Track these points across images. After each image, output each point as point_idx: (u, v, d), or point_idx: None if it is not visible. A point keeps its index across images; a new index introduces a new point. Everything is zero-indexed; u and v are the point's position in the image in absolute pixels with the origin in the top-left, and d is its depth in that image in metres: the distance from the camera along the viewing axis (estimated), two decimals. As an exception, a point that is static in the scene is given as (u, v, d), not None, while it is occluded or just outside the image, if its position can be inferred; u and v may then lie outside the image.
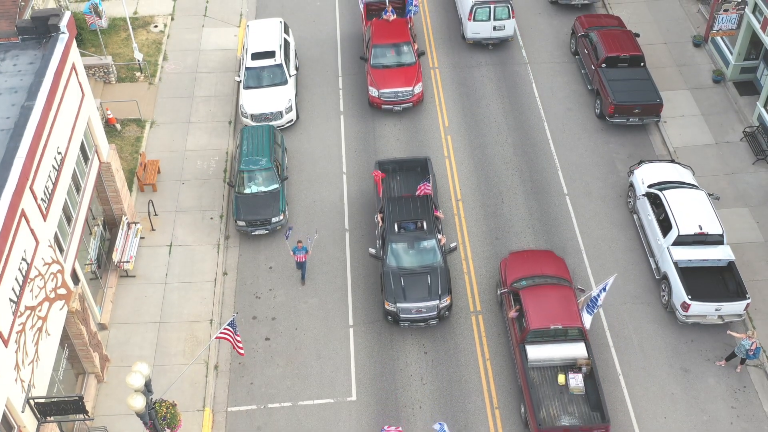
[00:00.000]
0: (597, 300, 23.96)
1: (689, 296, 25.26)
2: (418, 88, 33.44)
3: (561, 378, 23.87)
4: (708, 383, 25.03)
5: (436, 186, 29.71)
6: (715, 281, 26.19)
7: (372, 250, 26.86)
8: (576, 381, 23.75)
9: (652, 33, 37.09)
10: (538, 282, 25.31)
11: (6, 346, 19.00)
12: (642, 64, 33.19)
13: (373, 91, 33.47)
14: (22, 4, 30.29)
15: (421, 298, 25.75)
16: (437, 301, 25.72)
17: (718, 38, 35.20)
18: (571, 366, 24.13)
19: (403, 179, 29.73)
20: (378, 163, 29.63)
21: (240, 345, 22.87)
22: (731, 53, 34.27)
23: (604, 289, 23.85)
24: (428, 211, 27.42)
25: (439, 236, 26.86)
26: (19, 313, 19.72)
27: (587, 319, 24.49)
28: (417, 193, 28.02)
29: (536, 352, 24.01)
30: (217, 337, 22.53)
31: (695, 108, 33.46)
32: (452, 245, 26.81)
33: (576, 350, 24.06)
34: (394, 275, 26.16)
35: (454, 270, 28.22)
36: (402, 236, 26.75)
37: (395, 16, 35.86)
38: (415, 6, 35.73)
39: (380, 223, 27.77)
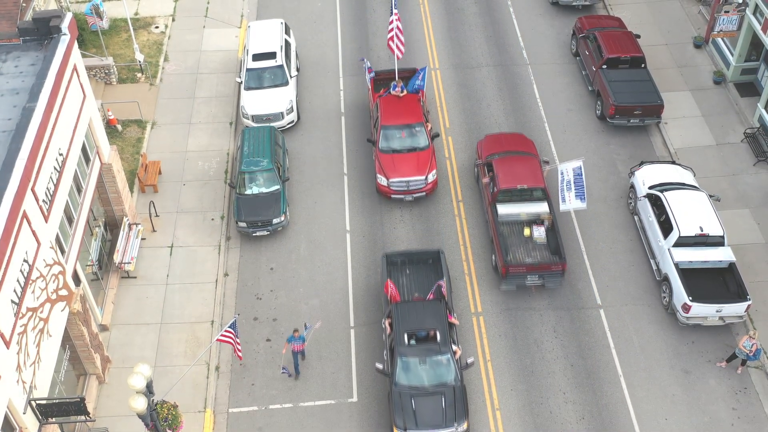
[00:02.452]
0: (581, 183, 26.81)
1: (690, 297, 25.27)
2: (431, 176, 29.65)
3: (527, 231, 27.59)
4: (709, 384, 25.04)
5: (451, 283, 26.72)
6: (716, 282, 26.20)
7: (379, 366, 24.00)
8: (539, 232, 27.43)
9: (653, 34, 37.10)
10: (508, 155, 29.15)
11: (8, 348, 19.02)
12: (643, 65, 33.20)
13: (382, 180, 29.76)
14: (24, 5, 30.32)
15: (435, 424, 23.00)
16: (453, 429, 23.05)
17: (719, 39, 35.21)
18: (535, 221, 27.74)
19: (413, 274, 26.79)
20: (386, 255, 26.56)
21: (239, 348, 22.90)
22: (732, 54, 34.29)
23: (580, 173, 26.77)
24: (442, 319, 24.45)
25: (455, 348, 24.07)
26: (20, 315, 19.75)
27: (580, 204, 27.17)
28: (429, 296, 25.50)
29: (505, 209, 27.88)
30: (218, 340, 22.55)
31: (696, 109, 33.48)
32: (469, 360, 23.85)
33: (540, 207, 27.87)
34: (404, 395, 23.31)
35: (455, 271, 28.23)
36: (413, 349, 23.85)
37: (406, 91, 31.93)
38: (421, 81, 31.97)
39: (388, 330, 24.75)
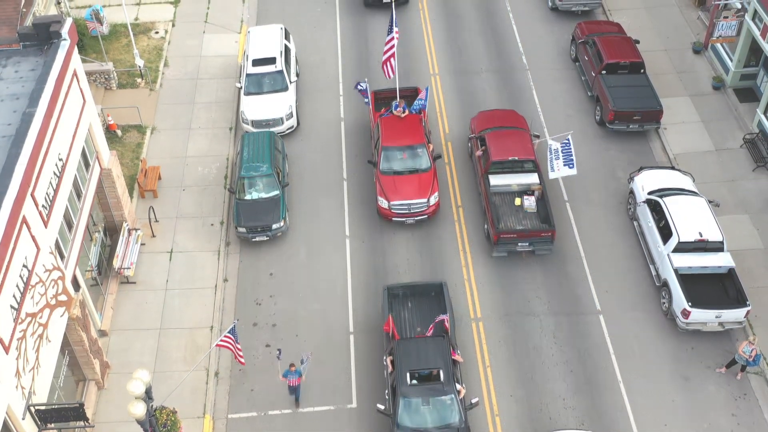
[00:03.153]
0: (569, 151, 28.07)
1: (689, 303, 25.26)
2: (434, 199, 29.11)
3: (517, 200, 28.69)
4: (708, 391, 25.02)
5: (454, 317, 25.94)
6: (715, 288, 26.20)
7: (381, 406, 23.20)
8: (529, 202, 28.49)
9: (652, 40, 37.16)
10: (500, 129, 30.34)
11: (7, 353, 19.01)
12: (642, 70, 33.25)
13: (383, 202, 29.20)
14: (24, 10, 30.37)
15: None
16: None
17: (718, 45, 35.25)
18: (525, 191, 28.80)
19: (415, 307, 26.06)
20: (387, 288, 25.85)
21: (240, 353, 22.87)
22: (731, 60, 34.33)
23: (568, 143, 28.17)
24: (446, 356, 23.54)
25: (459, 387, 23.24)
26: (20, 320, 19.73)
27: (569, 171, 28.48)
28: (429, 330, 24.75)
29: (497, 180, 29.03)
30: (217, 345, 22.53)
31: (695, 115, 33.51)
32: (473, 400, 23.20)
33: (530, 179, 29.01)
34: None
35: (454, 276, 28.22)
36: (416, 389, 22.93)
37: (407, 111, 31.32)
38: (424, 100, 31.38)
39: (390, 368, 23.90)
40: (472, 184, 31.28)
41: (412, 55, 37.13)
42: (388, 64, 30.44)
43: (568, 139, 28.37)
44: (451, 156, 32.44)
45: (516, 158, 29.28)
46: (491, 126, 30.88)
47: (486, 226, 28.99)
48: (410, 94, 32.92)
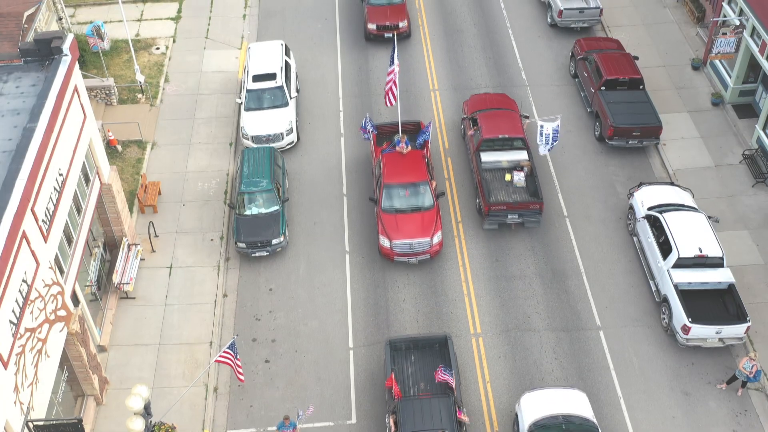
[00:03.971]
0: (556, 136, 29.67)
1: (690, 319, 25.22)
2: (437, 238, 28.39)
3: (507, 176, 30.03)
4: (709, 407, 24.93)
5: (459, 372, 25.27)
6: (715, 304, 26.17)
7: None
8: (519, 177, 29.86)
9: (651, 56, 37.30)
10: (491, 113, 31.72)
11: (5, 368, 18.96)
12: (641, 86, 33.35)
13: (384, 242, 28.38)
14: (25, 26, 30.51)
15: None
16: None
17: (717, 61, 35.39)
18: (515, 167, 30.19)
19: (418, 361, 24.91)
20: (389, 342, 24.85)
21: (240, 370, 22.80)
22: (730, 76, 34.45)
23: (557, 129, 29.58)
24: (451, 417, 22.51)
25: None
26: (19, 335, 19.69)
27: (546, 150, 30.14)
28: (436, 376, 23.63)
29: (488, 157, 30.45)
30: (216, 360, 22.47)
31: (694, 131, 33.59)
32: None
33: (519, 155, 30.48)
34: None
35: (453, 292, 28.20)
36: None
37: (410, 147, 30.57)
38: (427, 134, 30.85)
39: (392, 429, 22.86)
40: (472, 206, 31.32)
41: (412, 71, 37.26)
42: (390, 93, 29.94)
43: (557, 126, 29.76)
44: (451, 174, 32.48)
45: (506, 136, 30.75)
46: (483, 108, 32.26)
47: (478, 200, 30.37)
48: (412, 129, 32.30)
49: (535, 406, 23.29)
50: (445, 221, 30.52)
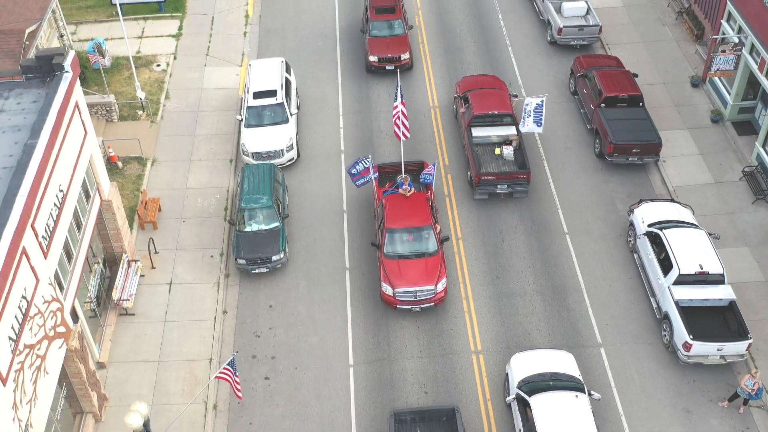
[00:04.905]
0: (541, 111, 30.97)
1: (691, 336, 25.15)
2: (441, 285, 27.27)
3: (497, 150, 31.89)
4: (711, 424, 24.81)
5: None
6: (716, 321, 26.11)
7: None
8: (508, 151, 31.80)
9: (651, 73, 37.42)
10: (482, 92, 33.63)
11: (4, 385, 18.86)
12: (641, 104, 33.43)
13: (387, 289, 27.35)
14: (27, 43, 30.61)
15: None
16: None
17: (716, 79, 35.50)
18: (504, 141, 32.18)
19: None
20: (394, 414, 23.78)
21: (239, 387, 22.71)
22: (729, 93, 34.54)
23: (541, 105, 30.93)
24: None
25: None
26: (17, 352, 19.61)
27: (536, 129, 31.44)
28: None
29: (479, 132, 32.39)
30: (216, 377, 22.38)
31: (694, 147, 33.64)
32: None
33: (508, 131, 32.41)
34: None
35: (454, 308, 28.13)
36: None
37: (413, 189, 29.77)
38: (431, 175, 29.77)
39: None
40: (472, 222, 31.32)
41: (412, 88, 37.35)
42: (402, 126, 29.24)
43: (542, 102, 30.93)
44: (451, 190, 32.51)
45: (496, 112, 32.55)
46: (473, 87, 34.26)
47: (469, 173, 31.99)
48: (416, 169, 31.42)
49: (524, 365, 24.73)
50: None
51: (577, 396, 23.19)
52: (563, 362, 24.67)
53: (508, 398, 24.50)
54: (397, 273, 27.46)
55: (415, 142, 34.44)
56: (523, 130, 31.52)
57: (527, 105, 31.12)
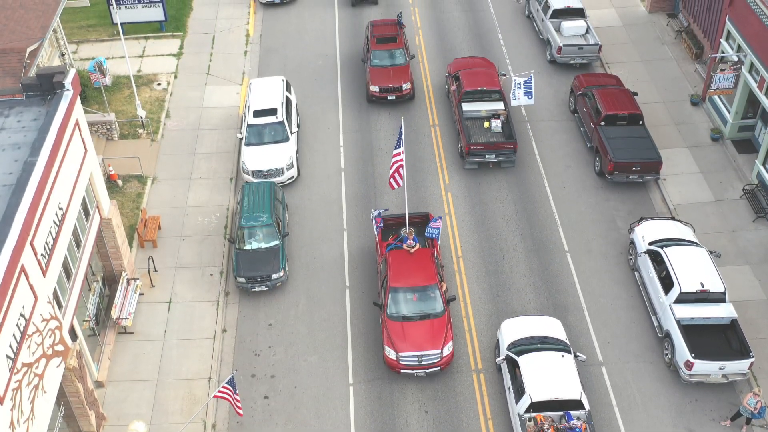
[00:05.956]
0: (530, 85, 33.10)
1: (692, 355, 25.02)
2: (447, 349, 25.99)
3: (486, 123, 34.20)
4: (713, 444, 24.65)
5: None
6: (718, 339, 25.97)
7: None
8: (496, 124, 34.14)
9: (650, 92, 37.50)
10: (472, 70, 36.38)
11: (1, 404, 18.74)
12: (641, 122, 33.47)
13: (390, 353, 25.96)
14: (28, 62, 30.70)
15: None
16: None
17: (716, 97, 35.56)
18: (492, 115, 34.40)
19: None
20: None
21: (239, 405, 22.57)
22: (729, 112, 34.58)
23: (530, 80, 33.06)
24: None
25: None
26: (15, 370, 19.50)
27: (527, 101, 33.47)
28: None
29: (469, 107, 34.79)
30: (215, 396, 22.25)
31: (694, 166, 33.63)
32: None
33: (496, 105, 34.87)
34: None
35: (454, 326, 28.00)
36: None
37: (418, 244, 28.21)
38: (437, 229, 28.35)
39: None
40: (473, 240, 31.25)
41: (412, 106, 37.40)
42: (396, 174, 28.04)
43: (530, 77, 33.15)
44: (451, 206, 32.48)
45: (484, 88, 34.97)
46: (464, 68, 36.76)
47: (459, 145, 34.24)
48: (420, 221, 30.13)
49: (513, 329, 26.14)
50: (446, 255, 30.42)
51: (563, 356, 24.74)
52: (551, 327, 26.20)
53: (498, 359, 25.92)
54: (401, 335, 26.07)
55: (413, 159, 34.46)
56: (514, 103, 33.64)
57: (516, 80, 33.31)
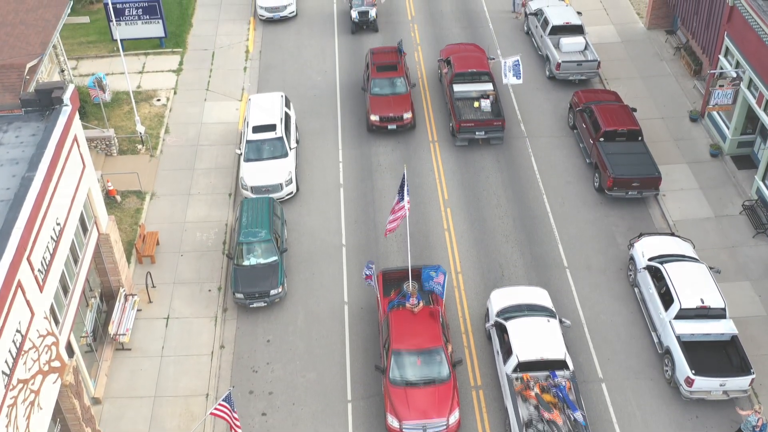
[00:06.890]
0: (518, 66, 35.17)
1: (693, 371, 24.88)
2: (454, 418, 24.44)
3: (476, 103, 36.20)
4: (714, 461, 24.48)
5: None
6: (718, 356, 25.84)
7: None
8: (485, 104, 36.08)
9: (649, 108, 37.54)
10: (463, 54, 38.62)
11: (-3, 421, 18.62)
12: (640, 138, 33.47)
13: (393, 422, 24.42)
14: (27, 78, 30.74)
15: None
16: None
17: (715, 113, 35.58)
18: (482, 96, 36.43)
19: None
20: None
21: (237, 422, 22.41)
22: (728, 128, 34.60)
23: (518, 62, 35.21)
24: None
25: None
26: (11, 387, 19.37)
27: (516, 81, 35.47)
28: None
29: (459, 88, 36.89)
30: (212, 413, 22.10)
31: (693, 181, 33.61)
32: None
33: (485, 86, 36.91)
34: None
35: (454, 343, 27.86)
36: None
37: (422, 302, 26.68)
38: (440, 284, 26.89)
39: None
40: (472, 257, 31.18)
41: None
42: (392, 223, 26.77)
43: (518, 60, 35.24)
44: (451, 226, 32.43)
45: (474, 70, 37.16)
46: (456, 53, 38.83)
47: (451, 123, 36.17)
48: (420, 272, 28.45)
49: (502, 298, 27.41)
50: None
51: (548, 320, 26.06)
52: (538, 296, 27.47)
53: (487, 325, 27.31)
54: (404, 403, 24.48)
55: (412, 174, 34.46)
56: (504, 81, 35.44)
57: (505, 63, 35.39)
